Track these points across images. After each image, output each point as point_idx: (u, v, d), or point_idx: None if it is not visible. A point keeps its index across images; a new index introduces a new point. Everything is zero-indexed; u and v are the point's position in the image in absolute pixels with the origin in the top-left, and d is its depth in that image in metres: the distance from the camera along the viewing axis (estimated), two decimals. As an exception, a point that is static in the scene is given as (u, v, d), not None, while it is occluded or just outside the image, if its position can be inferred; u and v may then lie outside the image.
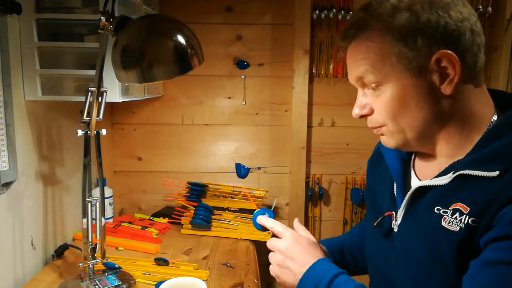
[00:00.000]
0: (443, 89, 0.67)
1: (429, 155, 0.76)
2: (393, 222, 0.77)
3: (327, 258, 0.78)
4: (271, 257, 0.83)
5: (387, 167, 0.82)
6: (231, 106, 1.65)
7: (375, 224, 0.82)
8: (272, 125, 1.66)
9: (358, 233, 1.04)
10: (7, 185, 1.00)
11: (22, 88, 1.05)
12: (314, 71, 1.60)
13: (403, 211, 0.76)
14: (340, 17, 1.55)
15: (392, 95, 0.70)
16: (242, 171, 1.67)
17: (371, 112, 0.74)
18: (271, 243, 0.84)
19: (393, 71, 0.68)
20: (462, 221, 0.64)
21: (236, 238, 1.36)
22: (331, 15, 1.54)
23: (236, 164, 1.67)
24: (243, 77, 1.62)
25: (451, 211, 0.66)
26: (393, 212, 0.78)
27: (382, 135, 0.76)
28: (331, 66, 1.60)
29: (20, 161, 1.03)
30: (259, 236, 1.37)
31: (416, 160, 0.80)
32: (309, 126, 1.63)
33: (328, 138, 1.66)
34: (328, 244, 0.97)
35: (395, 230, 0.77)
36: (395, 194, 0.79)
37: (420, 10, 0.65)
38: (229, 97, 1.64)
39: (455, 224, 0.65)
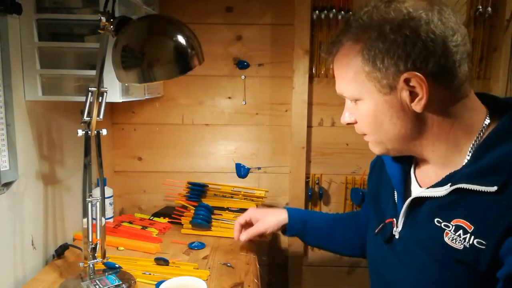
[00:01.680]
0: (414, 107, 0.68)
1: (428, 163, 0.77)
2: (394, 229, 0.78)
3: None
4: None
5: (389, 175, 0.84)
6: (231, 106, 1.65)
7: (376, 231, 0.83)
8: (272, 125, 1.66)
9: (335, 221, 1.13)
10: (8, 185, 1.00)
11: (23, 88, 1.05)
12: (314, 71, 1.61)
13: (403, 219, 0.77)
14: (340, 17, 1.55)
15: (366, 111, 0.72)
16: (242, 171, 1.67)
17: (356, 121, 0.77)
18: None
19: (366, 89, 0.70)
20: (467, 240, 0.64)
21: (236, 238, 1.36)
22: (331, 15, 1.54)
23: (236, 164, 1.67)
24: (243, 77, 1.63)
25: (453, 227, 0.66)
26: (394, 219, 0.79)
27: (369, 142, 0.79)
28: (331, 66, 1.60)
29: (21, 161, 1.03)
30: (259, 236, 1.37)
31: (417, 166, 0.81)
32: (309, 126, 1.63)
33: (328, 138, 1.66)
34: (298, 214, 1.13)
35: (397, 236, 0.78)
36: (396, 201, 0.80)
37: (387, 31, 0.65)
38: (229, 97, 1.64)
39: (458, 242, 0.65)
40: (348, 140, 1.66)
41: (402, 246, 0.76)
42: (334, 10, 1.54)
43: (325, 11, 1.55)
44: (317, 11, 1.55)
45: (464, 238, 0.64)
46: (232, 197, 1.56)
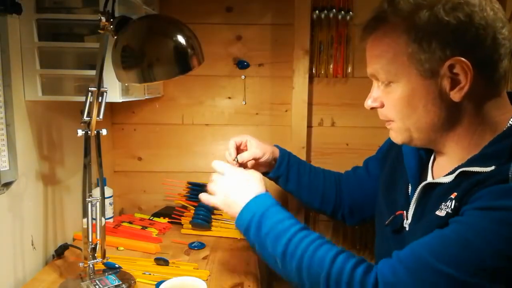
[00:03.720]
0: (452, 96, 0.66)
1: (445, 157, 0.76)
2: (405, 221, 0.78)
3: (268, 193, 0.87)
4: (216, 189, 0.90)
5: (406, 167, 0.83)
6: (231, 106, 1.65)
7: (386, 222, 0.83)
8: (272, 125, 1.66)
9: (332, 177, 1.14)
10: (7, 185, 1.00)
11: (23, 88, 1.05)
12: (314, 71, 1.60)
13: (413, 210, 0.77)
14: (340, 17, 1.55)
15: (401, 94, 0.70)
16: (242, 171, 1.67)
17: (382, 105, 0.75)
18: (219, 181, 0.91)
19: (404, 71, 0.68)
20: (449, 206, 0.65)
21: (236, 238, 1.36)
22: (331, 15, 1.54)
23: (236, 164, 1.67)
24: (243, 77, 1.62)
25: (447, 202, 0.67)
26: (404, 212, 0.79)
27: (391, 129, 0.77)
28: (331, 66, 1.60)
29: (21, 161, 1.03)
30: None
31: (435, 161, 0.81)
32: (309, 126, 1.63)
33: (328, 138, 1.66)
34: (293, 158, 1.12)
35: (407, 229, 0.78)
36: (410, 194, 0.80)
37: (441, 12, 0.63)
38: (229, 97, 1.64)
39: (444, 211, 0.66)
40: (348, 140, 1.66)
41: (410, 238, 0.75)
42: (334, 10, 1.54)
43: (325, 11, 1.54)
44: (317, 11, 1.54)
45: (449, 205, 0.65)
46: (232, 197, 1.56)
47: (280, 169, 1.08)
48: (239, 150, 1.06)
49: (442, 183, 0.71)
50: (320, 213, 1.14)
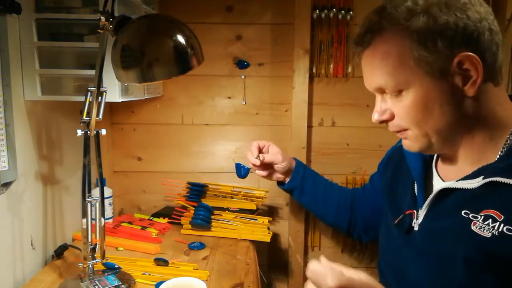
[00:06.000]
0: (467, 91, 0.66)
1: (451, 157, 0.75)
2: (414, 221, 0.77)
3: None
4: None
5: (409, 168, 0.82)
6: (231, 106, 1.65)
7: (395, 222, 0.81)
8: (272, 125, 1.66)
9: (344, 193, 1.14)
10: (7, 185, 1.00)
11: (22, 88, 1.05)
12: (314, 71, 1.60)
13: (426, 211, 0.76)
14: (340, 16, 1.54)
15: (414, 100, 0.68)
16: (242, 171, 1.66)
17: (392, 117, 0.73)
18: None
19: (414, 76, 0.67)
20: (496, 228, 0.63)
21: (236, 238, 1.36)
22: (332, 14, 1.54)
23: (236, 164, 1.66)
24: (243, 77, 1.62)
25: (482, 217, 0.65)
26: (414, 211, 0.78)
27: (406, 139, 0.75)
28: (331, 66, 1.59)
29: (20, 161, 1.03)
30: (259, 236, 1.36)
31: (439, 161, 0.80)
32: (309, 126, 1.63)
33: (328, 138, 1.65)
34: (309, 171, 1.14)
35: (416, 228, 0.77)
36: (416, 194, 0.79)
37: (437, 12, 0.64)
38: (229, 97, 1.64)
39: (486, 230, 0.64)
40: (348, 140, 1.65)
41: (421, 238, 0.75)
42: (334, 9, 1.54)
43: (326, 11, 1.54)
44: (317, 11, 1.54)
45: (493, 227, 0.63)
46: (232, 198, 1.56)
47: (295, 181, 1.12)
48: (260, 152, 1.16)
49: (463, 188, 0.69)
50: (336, 229, 1.17)
